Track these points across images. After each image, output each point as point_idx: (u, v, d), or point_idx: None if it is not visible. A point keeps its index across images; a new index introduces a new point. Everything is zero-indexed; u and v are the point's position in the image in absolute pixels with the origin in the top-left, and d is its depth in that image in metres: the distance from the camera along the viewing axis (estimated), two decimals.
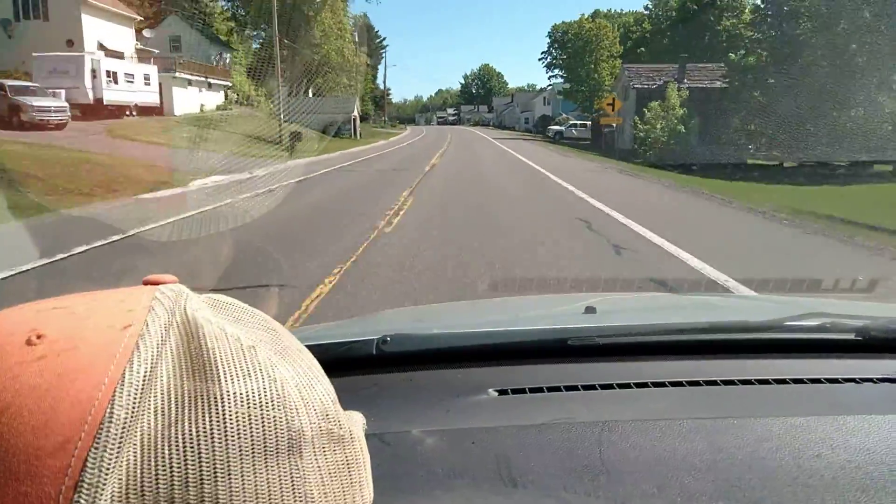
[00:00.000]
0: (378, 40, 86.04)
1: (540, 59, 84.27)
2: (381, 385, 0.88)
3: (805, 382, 0.86)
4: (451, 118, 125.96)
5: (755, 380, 0.86)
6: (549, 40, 70.31)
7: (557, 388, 0.84)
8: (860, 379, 0.87)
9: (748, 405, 0.82)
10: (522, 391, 0.84)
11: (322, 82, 43.44)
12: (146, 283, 0.43)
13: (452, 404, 0.81)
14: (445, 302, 3.95)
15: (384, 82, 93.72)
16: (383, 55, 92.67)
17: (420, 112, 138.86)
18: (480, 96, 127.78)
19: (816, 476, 0.60)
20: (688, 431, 0.67)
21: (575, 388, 0.84)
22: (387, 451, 0.61)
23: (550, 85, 73.93)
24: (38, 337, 0.37)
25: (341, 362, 0.88)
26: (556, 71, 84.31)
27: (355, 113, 41.28)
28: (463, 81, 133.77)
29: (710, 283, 5.35)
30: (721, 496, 0.57)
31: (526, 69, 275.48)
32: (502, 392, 0.84)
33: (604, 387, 0.84)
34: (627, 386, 0.85)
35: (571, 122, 47.46)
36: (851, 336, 0.98)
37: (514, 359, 0.95)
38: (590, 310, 1.18)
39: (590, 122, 44.17)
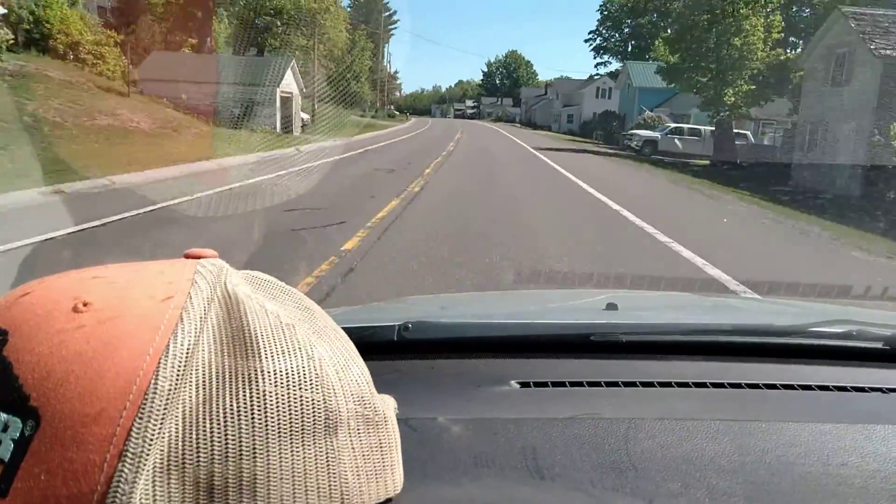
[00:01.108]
0: (387, 14, 68.62)
1: (587, 41, 65.32)
2: (401, 371, 0.87)
3: (830, 389, 0.86)
4: (469, 111, 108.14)
5: (780, 384, 0.86)
6: (599, 16, 52.46)
7: (580, 384, 0.84)
8: (887, 389, 0.87)
9: (774, 409, 0.81)
10: (545, 384, 0.84)
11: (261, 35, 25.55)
12: (187, 256, 0.43)
13: (474, 394, 0.81)
14: (468, 292, 3.97)
15: (388, 63, 76.37)
16: (392, 31, 75.05)
17: (437, 103, 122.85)
18: (505, 87, 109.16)
19: (845, 483, 0.60)
20: (715, 432, 0.67)
21: (598, 384, 0.84)
22: (413, 437, 0.60)
23: (598, 75, 55.45)
24: (84, 304, 0.37)
25: (362, 347, 0.80)
26: (606, 57, 65.73)
27: (294, 92, 22.68)
28: (485, 69, 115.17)
29: None
30: (750, 499, 0.56)
31: (560, 60, 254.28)
32: (524, 384, 0.84)
33: (626, 384, 0.84)
34: (651, 384, 0.84)
35: (671, 125, 28.13)
36: (879, 345, 0.97)
37: (535, 352, 0.95)
38: (611, 306, 1.18)
39: (710, 129, 24.94)
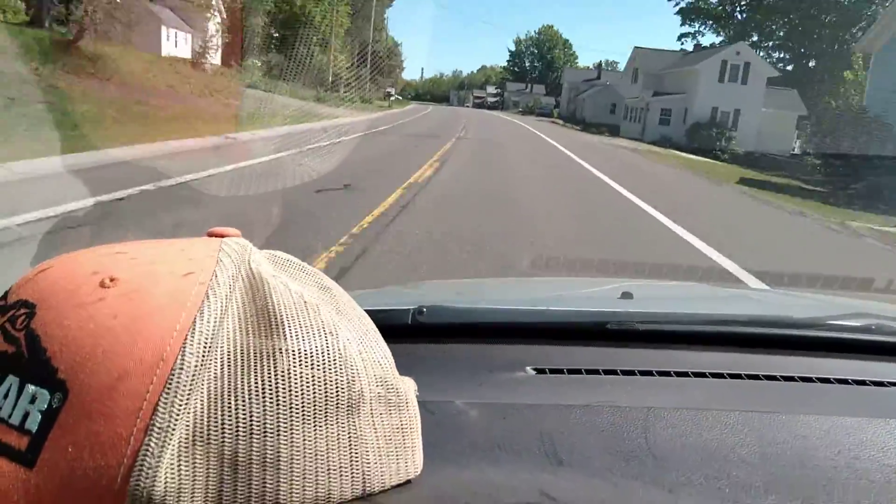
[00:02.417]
0: None
1: (676, 2, 43.14)
2: (416, 355, 0.85)
3: (849, 383, 0.85)
4: (490, 100, 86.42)
5: (798, 377, 0.85)
6: None
7: (596, 371, 0.84)
8: None
9: (793, 402, 0.80)
10: (560, 371, 0.84)
11: None
12: (210, 234, 0.44)
13: (489, 379, 0.81)
14: (484, 278, 3.90)
15: (386, 33, 55.21)
16: None
17: (456, 89, 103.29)
18: (536, 71, 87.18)
19: (866, 478, 0.59)
20: (734, 423, 0.66)
21: (614, 372, 0.84)
22: (431, 420, 0.60)
23: (722, 41, 33.69)
24: (111, 280, 0.37)
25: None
26: (698, 26, 43.68)
27: None
28: (512, 48, 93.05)
29: None
30: (771, 491, 0.56)
31: (601, 43, 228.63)
32: (540, 371, 0.84)
33: (643, 373, 0.84)
34: (667, 374, 0.84)
35: None
36: None
37: (550, 338, 0.95)
38: (626, 295, 1.18)
39: None
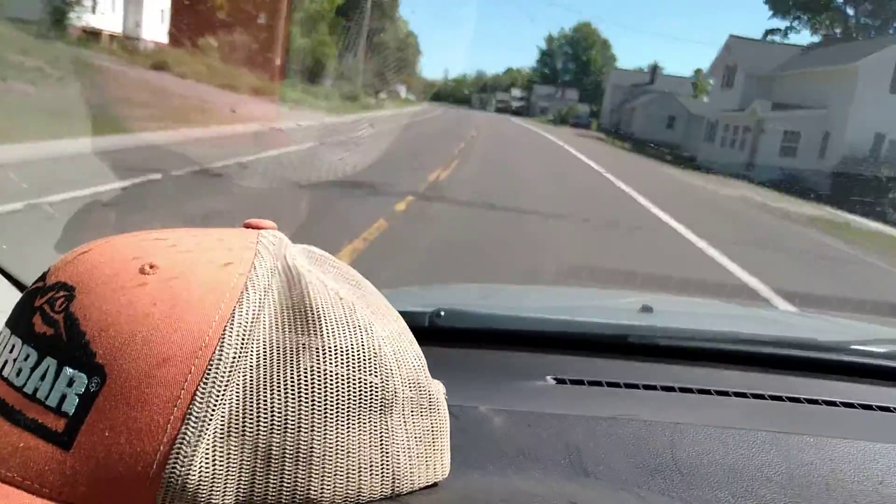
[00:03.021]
0: None
1: None
2: (434, 359, 0.80)
3: (874, 409, 0.85)
4: (515, 104, 76.22)
5: (821, 399, 0.85)
6: None
7: (617, 384, 0.83)
8: None
9: (818, 424, 0.80)
10: (581, 382, 0.84)
11: None
12: (247, 226, 0.44)
13: (509, 386, 0.81)
14: (505, 284, 3.77)
15: (399, 20, 45.48)
16: None
17: (479, 92, 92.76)
18: (570, 74, 76.76)
19: None
20: (762, 443, 0.66)
21: (635, 386, 0.83)
22: (455, 424, 0.59)
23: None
24: (151, 266, 0.37)
25: None
26: (790, 20, 32.99)
27: None
28: (543, 47, 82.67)
29: None
30: None
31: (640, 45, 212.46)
32: (560, 381, 0.83)
33: (665, 388, 0.84)
34: (689, 391, 0.84)
35: None
36: None
37: (569, 348, 0.95)
38: (646, 308, 1.17)
39: None
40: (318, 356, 0.37)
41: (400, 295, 1.32)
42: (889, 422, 0.82)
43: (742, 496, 0.57)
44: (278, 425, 0.35)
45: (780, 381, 0.89)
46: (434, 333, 0.89)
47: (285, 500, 0.36)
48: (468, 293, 1.61)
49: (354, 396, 0.38)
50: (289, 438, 0.36)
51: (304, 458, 0.36)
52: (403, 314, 0.79)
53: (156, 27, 17.95)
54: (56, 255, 0.40)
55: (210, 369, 0.34)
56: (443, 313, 0.90)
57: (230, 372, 0.35)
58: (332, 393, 0.37)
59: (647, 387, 0.82)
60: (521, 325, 1.00)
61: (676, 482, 0.57)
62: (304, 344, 0.37)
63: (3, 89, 9.01)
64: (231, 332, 0.35)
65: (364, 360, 0.38)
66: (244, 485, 0.35)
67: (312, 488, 0.36)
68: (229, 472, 0.34)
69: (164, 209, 4.80)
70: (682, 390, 0.83)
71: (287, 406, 0.36)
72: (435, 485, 0.44)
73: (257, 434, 0.35)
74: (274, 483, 0.35)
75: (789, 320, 1.93)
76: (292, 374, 0.36)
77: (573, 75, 74.54)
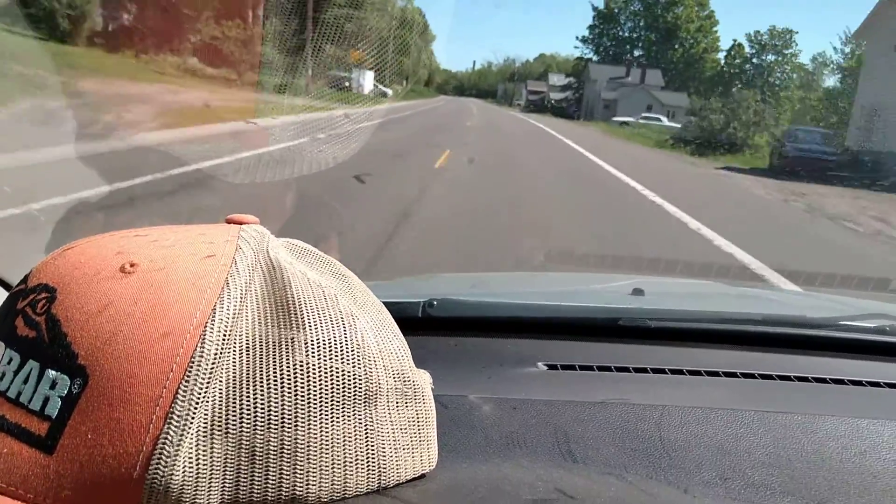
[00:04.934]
0: None
1: None
2: (426, 348, 0.86)
3: (863, 385, 0.85)
4: (555, 95, 51.23)
5: (811, 377, 0.86)
6: None
7: (608, 368, 0.85)
8: None
9: (807, 402, 0.81)
10: (572, 367, 0.85)
11: None
12: (229, 221, 0.44)
13: (501, 373, 0.82)
14: (496, 272, 3.83)
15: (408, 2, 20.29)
16: None
17: (504, 81, 78.38)
18: (642, 44, 49.25)
19: (884, 480, 0.60)
20: (750, 422, 0.67)
21: (626, 369, 0.84)
22: (444, 414, 0.61)
23: None
24: (131, 265, 0.37)
25: None
26: None
27: None
28: (600, 4, 54.79)
29: None
30: (787, 492, 0.57)
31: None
32: (551, 367, 0.84)
33: (655, 371, 0.85)
34: (680, 372, 0.85)
35: None
36: None
37: (562, 334, 0.95)
38: (637, 291, 1.17)
39: None
40: (299, 349, 0.37)
41: (392, 285, 1.42)
42: (878, 397, 0.82)
43: (730, 477, 0.57)
44: (262, 421, 0.35)
45: (771, 360, 0.89)
46: (427, 323, 0.90)
47: (271, 497, 0.35)
48: (460, 282, 1.62)
49: (338, 389, 0.37)
50: (273, 434, 0.35)
51: (289, 453, 0.36)
52: (397, 304, 0.71)
53: None
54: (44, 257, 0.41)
55: (192, 367, 0.34)
56: (435, 303, 0.91)
57: (212, 369, 0.34)
58: (314, 386, 0.36)
59: (637, 370, 0.83)
60: (512, 311, 1.01)
61: (664, 464, 0.58)
62: (285, 337, 0.37)
63: None
64: (212, 328, 0.35)
65: (346, 351, 0.38)
66: (229, 483, 0.35)
67: (298, 484, 0.36)
68: (214, 471, 0.34)
69: (153, 210, 4.81)
70: (673, 372, 0.83)
71: (271, 402, 0.35)
72: (422, 476, 0.43)
73: (241, 431, 0.35)
74: (259, 480, 0.35)
75: (779, 298, 1.92)
76: (275, 368, 0.36)
77: (652, 48, 47.09)
